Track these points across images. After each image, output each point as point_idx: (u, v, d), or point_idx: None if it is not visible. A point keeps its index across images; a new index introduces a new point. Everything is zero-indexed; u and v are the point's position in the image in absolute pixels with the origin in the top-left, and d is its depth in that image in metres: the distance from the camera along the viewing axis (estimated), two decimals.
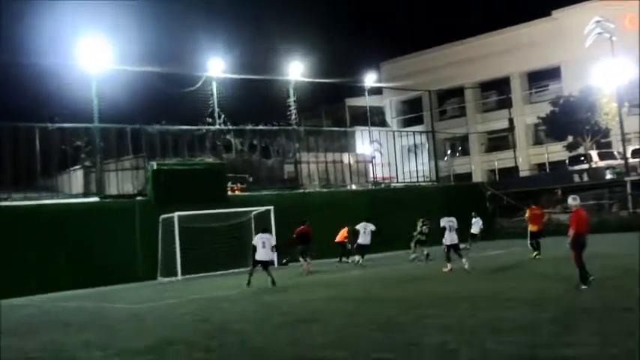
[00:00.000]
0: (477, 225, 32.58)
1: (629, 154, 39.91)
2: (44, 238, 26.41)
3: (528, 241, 24.73)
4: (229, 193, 32.45)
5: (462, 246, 30.62)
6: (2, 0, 42.23)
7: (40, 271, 26.00)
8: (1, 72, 29.90)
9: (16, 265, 25.57)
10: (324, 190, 37.50)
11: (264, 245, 21.95)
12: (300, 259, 26.41)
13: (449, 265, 21.78)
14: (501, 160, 48.44)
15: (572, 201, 15.69)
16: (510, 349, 9.25)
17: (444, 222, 22.40)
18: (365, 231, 27.11)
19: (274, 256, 22.21)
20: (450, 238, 22.18)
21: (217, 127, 33.72)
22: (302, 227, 26.88)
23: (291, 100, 36.62)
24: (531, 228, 24.77)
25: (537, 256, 23.81)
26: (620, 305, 12.32)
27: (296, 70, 36.72)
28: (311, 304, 16.27)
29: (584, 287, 14.74)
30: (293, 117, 36.77)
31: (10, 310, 20.79)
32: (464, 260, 21.62)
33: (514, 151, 48.36)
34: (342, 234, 29.67)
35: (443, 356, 8.98)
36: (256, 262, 22.00)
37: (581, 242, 15.11)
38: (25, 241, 25.96)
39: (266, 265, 22.00)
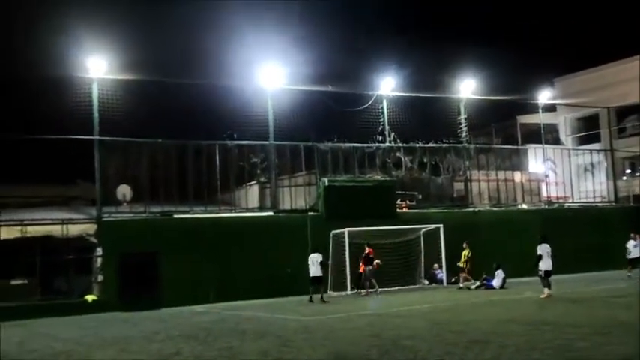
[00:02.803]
0: (638, 248, 30.43)
1: None
2: (222, 250, 27.76)
3: None
4: (398, 210, 32.57)
5: (628, 274, 29.21)
6: (183, 29, 44.82)
7: (218, 280, 27.32)
8: (185, 93, 31.74)
9: (197, 274, 27.03)
10: (495, 209, 36.72)
11: (313, 263, 25.43)
12: (367, 282, 27.74)
13: (546, 291, 22.19)
14: None
15: None
16: None
17: (541, 249, 22.54)
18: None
19: (320, 272, 25.61)
20: (545, 264, 22.48)
21: (387, 144, 33.96)
22: (370, 250, 27.82)
23: (462, 117, 36.24)
24: None
25: None
26: None
27: (467, 87, 36.33)
28: (483, 324, 15.95)
29: None
30: (463, 134, 36.35)
31: (192, 317, 21.99)
32: (546, 289, 22.23)
33: None
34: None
35: None
36: (311, 278, 25.39)
37: None
38: (205, 252, 27.39)
39: (317, 280, 25.41)
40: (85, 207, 30.08)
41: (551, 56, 63.21)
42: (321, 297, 25.10)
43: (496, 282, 27.77)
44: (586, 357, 10.71)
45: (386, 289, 28.25)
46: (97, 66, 27.44)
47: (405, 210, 33.20)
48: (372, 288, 27.58)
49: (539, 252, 22.45)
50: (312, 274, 25.49)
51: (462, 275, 28.91)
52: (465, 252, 28.78)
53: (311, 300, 25.03)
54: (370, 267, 27.59)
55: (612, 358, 10.38)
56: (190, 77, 31.63)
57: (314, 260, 25.58)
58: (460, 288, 28.23)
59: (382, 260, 28.33)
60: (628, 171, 50.24)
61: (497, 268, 28.18)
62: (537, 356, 10.95)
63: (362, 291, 27.91)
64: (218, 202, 30.58)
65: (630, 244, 30.57)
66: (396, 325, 16.73)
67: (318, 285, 25.46)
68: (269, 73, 30.87)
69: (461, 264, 28.93)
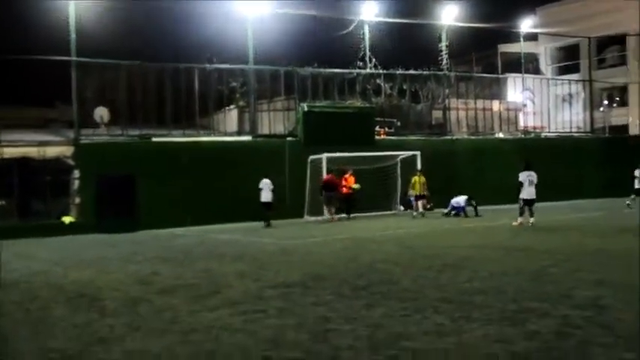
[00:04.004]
0: None
1: None
2: (200, 174, 27.78)
3: None
4: (376, 137, 32.64)
5: (627, 202, 29.35)
6: None
7: (195, 204, 27.42)
8: (164, 15, 31.21)
9: (174, 197, 27.10)
10: (472, 137, 36.94)
11: (267, 189, 26.17)
12: (325, 207, 27.96)
13: (519, 219, 21.90)
14: None
15: None
16: None
17: (522, 176, 22.00)
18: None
19: (270, 198, 26.26)
20: (527, 192, 21.89)
21: (368, 70, 33.79)
22: (327, 176, 27.91)
23: (443, 44, 36.03)
24: None
25: None
26: None
27: (449, 14, 35.97)
28: (457, 250, 16.22)
29: None
30: (444, 62, 36.20)
31: (170, 240, 22.15)
32: (532, 216, 21.65)
33: None
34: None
35: (596, 310, 8.77)
36: (263, 204, 26.07)
37: None
38: (183, 176, 27.41)
39: (268, 205, 26.10)
40: (62, 129, 29.84)
41: None
42: (268, 222, 25.88)
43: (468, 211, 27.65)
44: (557, 282, 10.97)
45: (362, 214, 28.57)
46: None
47: (383, 137, 33.27)
48: (330, 214, 27.82)
49: (520, 179, 22.06)
50: (263, 200, 26.10)
51: (422, 203, 28.62)
52: (419, 179, 28.37)
53: (268, 225, 25.66)
54: (325, 193, 27.80)
55: (582, 284, 10.64)
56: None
57: (266, 186, 26.16)
58: (419, 215, 28.12)
59: (359, 185, 28.51)
60: (605, 102, 50.53)
61: (468, 201, 27.91)
62: (510, 280, 11.20)
63: (328, 217, 27.95)
64: (197, 125, 30.45)
65: (638, 173, 29.58)
66: (371, 250, 16.97)
67: (268, 210, 26.03)
68: None
69: (417, 192, 28.43)
